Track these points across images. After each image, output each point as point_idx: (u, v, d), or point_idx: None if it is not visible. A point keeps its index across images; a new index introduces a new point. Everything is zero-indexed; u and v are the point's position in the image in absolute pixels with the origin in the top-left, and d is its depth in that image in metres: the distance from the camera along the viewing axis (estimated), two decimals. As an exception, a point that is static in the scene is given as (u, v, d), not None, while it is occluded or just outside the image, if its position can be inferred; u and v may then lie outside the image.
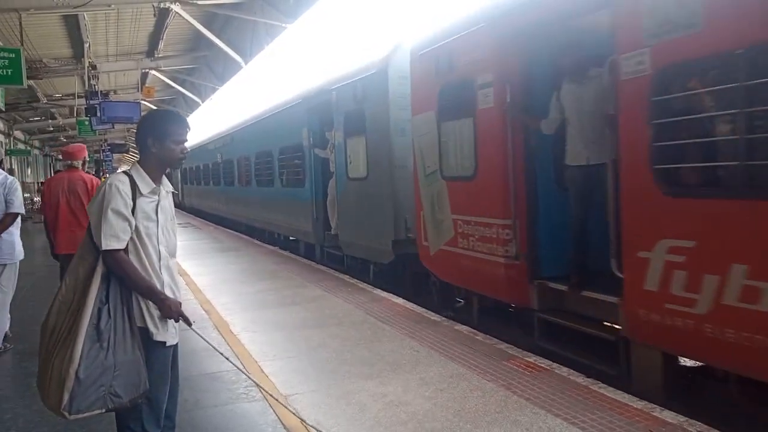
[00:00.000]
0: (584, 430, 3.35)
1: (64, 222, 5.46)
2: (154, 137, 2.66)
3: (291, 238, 12.61)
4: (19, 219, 5.31)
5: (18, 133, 27.47)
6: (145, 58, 16.48)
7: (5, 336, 5.38)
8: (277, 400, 3.76)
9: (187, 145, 2.78)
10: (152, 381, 2.60)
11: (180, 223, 19.83)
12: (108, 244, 2.48)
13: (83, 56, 14.44)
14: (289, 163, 11.44)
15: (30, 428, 3.75)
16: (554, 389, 3.96)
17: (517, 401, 3.79)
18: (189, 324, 2.75)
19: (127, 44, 15.38)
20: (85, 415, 2.41)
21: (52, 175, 12.75)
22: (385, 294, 7.30)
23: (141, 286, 2.57)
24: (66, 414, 2.37)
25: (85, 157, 5.97)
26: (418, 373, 4.38)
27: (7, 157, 25.40)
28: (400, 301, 6.88)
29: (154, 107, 23.52)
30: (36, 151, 33.21)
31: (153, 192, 2.66)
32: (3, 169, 5.54)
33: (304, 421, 3.54)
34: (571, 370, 4.38)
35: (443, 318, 6.05)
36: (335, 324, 5.90)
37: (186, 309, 7.02)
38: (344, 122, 8.70)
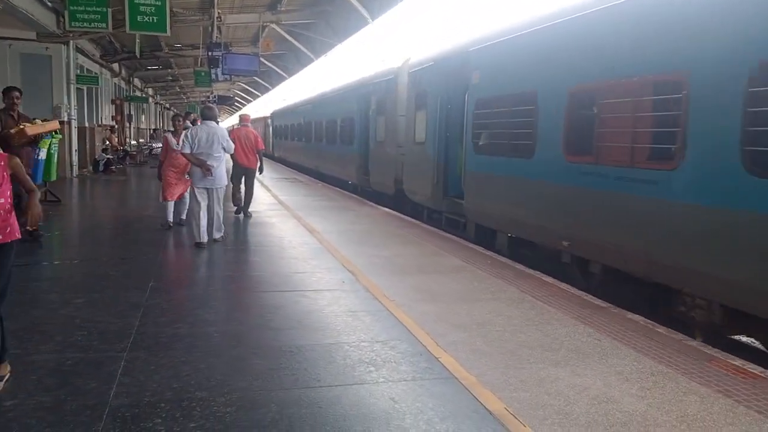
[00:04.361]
0: None
1: (241, 155, 9.97)
2: None
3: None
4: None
5: (136, 81, 28.80)
6: (267, 11, 16.52)
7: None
8: (470, 383, 3.52)
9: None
10: None
11: (286, 178, 20.23)
12: None
13: (212, 7, 14.62)
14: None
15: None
16: (788, 404, 3.47)
17: (746, 413, 3.33)
18: None
19: (253, -4, 15.47)
20: None
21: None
22: (530, 270, 6.91)
23: None
24: None
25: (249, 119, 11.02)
26: (611, 365, 4.00)
27: (127, 103, 26.77)
28: (549, 279, 6.47)
29: (269, 63, 23.82)
30: (150, 99, 34.83)
31: None
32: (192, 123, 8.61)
33: (508, 408, 3.29)
34: (792, 382, 3.80)
35: (608, 303, 5.61)
36: (491, 299, 5.59)
37: (329, 266, 6.88)
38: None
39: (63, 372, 3.60)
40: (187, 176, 8.58)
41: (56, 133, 10.66)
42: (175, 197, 8.94)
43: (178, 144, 8.55)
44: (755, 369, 4.03)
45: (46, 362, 3.73)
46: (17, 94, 7.51)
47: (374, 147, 14.13)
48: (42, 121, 8.23)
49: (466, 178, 9.07)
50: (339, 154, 17.70)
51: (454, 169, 9.91)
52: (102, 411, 3.08)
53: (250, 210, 10.40)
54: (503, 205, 8.04)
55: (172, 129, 9.27)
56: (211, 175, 7.65)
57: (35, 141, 7.92)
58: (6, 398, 3.20)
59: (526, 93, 7.35)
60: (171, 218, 8.95)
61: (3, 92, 7.59)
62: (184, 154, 7.79)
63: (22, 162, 7.01)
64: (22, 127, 7.33)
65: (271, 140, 35.96)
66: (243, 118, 10.87)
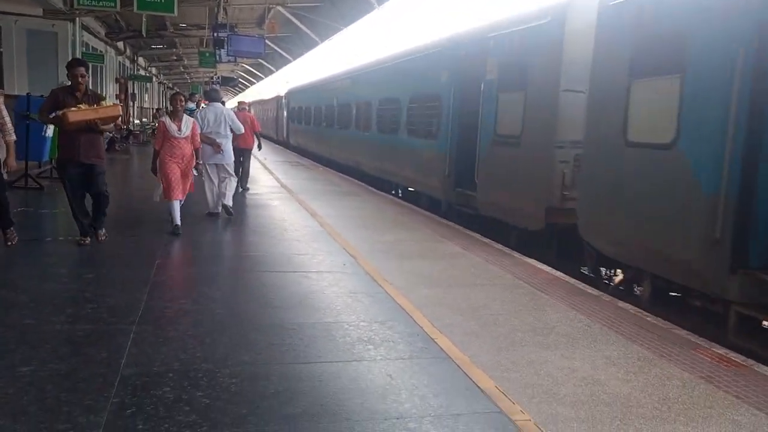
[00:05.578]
0: (820, 443, 3.04)
1: (241, 137, 10.13)
2: None
3: None
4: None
5: (140, 60, 28.77)
6: (274, -8, 16.52)
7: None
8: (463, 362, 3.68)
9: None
10: None
11: (288, 161, 20.35)
12: None
13: (218, -13, 14.64)
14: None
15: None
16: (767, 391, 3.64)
17: (725, 398, 3.50)
18: None
19: (260, -23, 15.44)
20: None
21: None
22: (526, 258, 7.06)
23: None
24: None
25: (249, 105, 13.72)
26: (599, 350, 4.17)
27: (131, 82, 26.78)
28: (545, 267, 6.63)
29: (273, 46, 23.78)
30: (153, 79, 34.79)
31: None
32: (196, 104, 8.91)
33: (499, 387, 3.46)
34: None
35: (600, 292, 5.77)
36: (487, 284, 5.76)
37: (330, 250, 6.68)
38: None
39: (75, 342, 3.77)
40: (194, 171, 7.61)
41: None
42: (181, 195, 7.37)
43: (180, 130, 7.22)
44: (738, 357, 4.19)
45: (59, 333, 3.90)
46: (82, 70, 6.13)
47: (490, 144, 8.60)
48: (106, 103, 6.42)
49: None
50: (405, 150, 12.10)
51: None
52: (113, 379, 3.25)
53: (247, 185, 11.71)
54: None
55: (170, 109, 7.61)
56: (222, 152, 8.43)
57: (94, 128, 6.18)
58: (21, 365, 3.37)
59: None
60: (179, 220, 7.30)
61: (66, 67, 6.23)
62: None
63: (87, 151, 6.03)
64: (66, 111, 5.96)
65: (285, 125, 29.48)
66: (241, 104, 13.05)
